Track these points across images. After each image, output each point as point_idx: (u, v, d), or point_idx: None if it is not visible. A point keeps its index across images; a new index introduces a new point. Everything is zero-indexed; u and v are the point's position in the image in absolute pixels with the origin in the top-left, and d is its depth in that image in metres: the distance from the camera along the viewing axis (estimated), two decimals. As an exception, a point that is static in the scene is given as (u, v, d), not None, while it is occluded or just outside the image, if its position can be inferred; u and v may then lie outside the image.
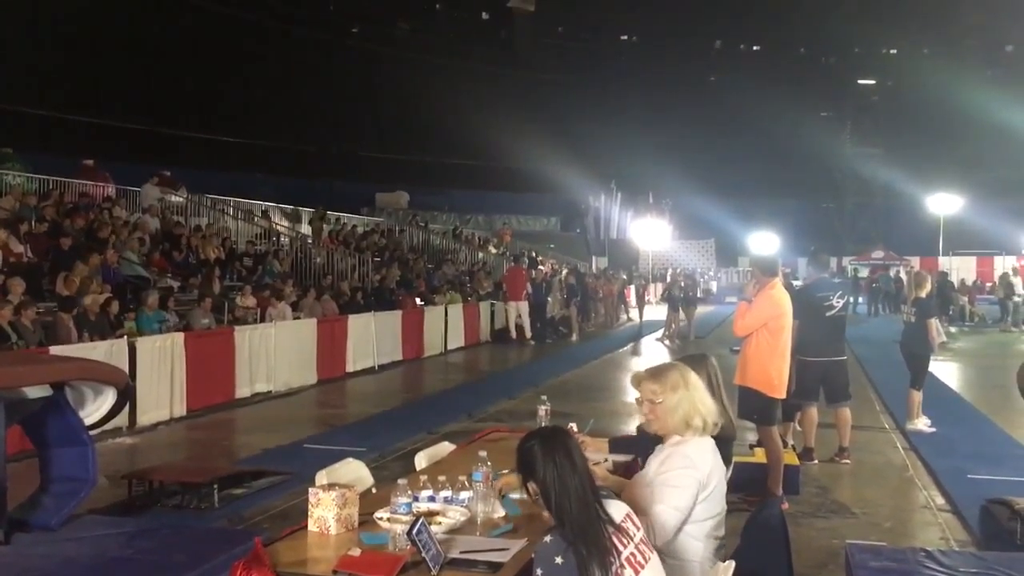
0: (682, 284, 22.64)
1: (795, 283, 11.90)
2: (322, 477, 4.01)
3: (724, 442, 4.30)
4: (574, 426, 4.92)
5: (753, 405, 6.69)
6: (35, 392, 5.57)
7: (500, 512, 3.68)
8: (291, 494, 6.86)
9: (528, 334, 20.36)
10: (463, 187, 39.48)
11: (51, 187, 18.17)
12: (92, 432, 6.12)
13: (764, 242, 38.75)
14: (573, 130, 40.81)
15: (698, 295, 24.79)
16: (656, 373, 3.72)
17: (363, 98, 37.05)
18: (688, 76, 45.72)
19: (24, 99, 25.23)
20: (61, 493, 5.69)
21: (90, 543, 5.29)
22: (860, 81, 49.04)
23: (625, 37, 48.91)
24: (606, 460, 4.40)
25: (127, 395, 6.39)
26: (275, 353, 12.47)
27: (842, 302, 8.30)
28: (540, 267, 26.37)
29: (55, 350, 8.89)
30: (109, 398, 6.08)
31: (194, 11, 30.23)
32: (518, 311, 20.55)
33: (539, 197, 41.23)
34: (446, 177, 39.62)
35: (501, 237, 32.50)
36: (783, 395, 6.88)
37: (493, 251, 29.69)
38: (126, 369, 9.05)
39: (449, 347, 18.21)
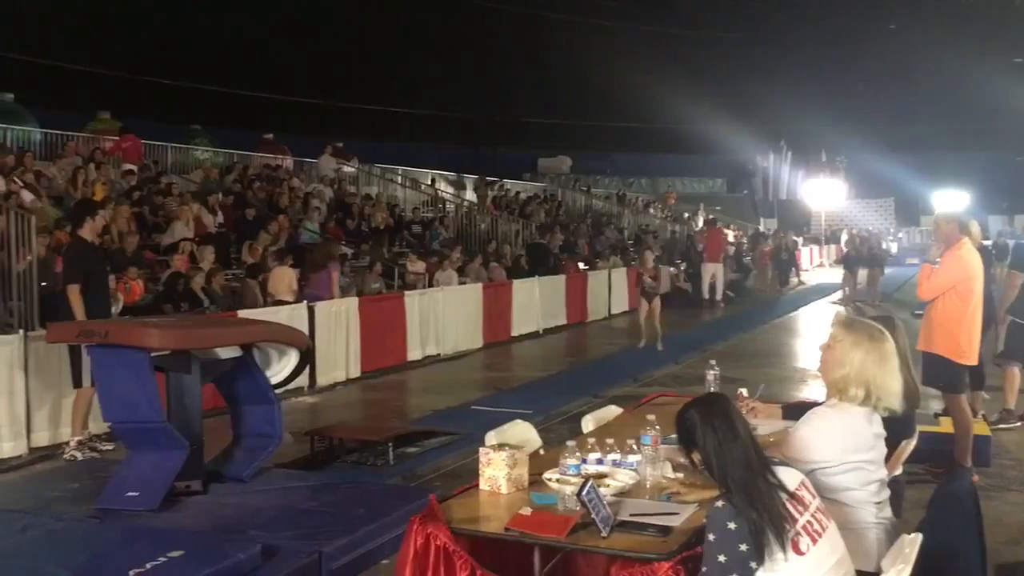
0: (858, 244, 21.62)
1: (985, 243, 11.10)
2: (492, 438, 4.08)
3: (907, 411, 4.09)
4: (744, 391, 4.79)
5: (939, 372, 6.31)
6: (227, 353, 5.96)
7: (669, 476, 3.64)
8: (461, 454, 7.05)
9: (719, 295, 20.34)
10: (626, 150, 38.98)
11: (235, 160, 19.27)
12: (277, 391, 6.51)
13: (950, 199, 36.32)
14: (740, 88, 39.43)
15: (881, 255, 23.54)
16: (850, 321, 3.59)
17: (526, 64, 37.10)
18: (864, 25, 43.17)
19: (210, 78, 26.80)
20: (251, 448, 6.09)
21: (278, 495, 5.64)
22: (1061, 22, 44.85)
23: (795, -12, 46.66)
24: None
25: (308, 357, 6.74)
26: (443, 317, 12.80)
27: None
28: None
29: (242, 314, 9.45)
30: (292, 359, 6.44)
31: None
32: (713, 273, 20.44)
33: (704, 158, 40.20)
34: (609, 140, 39.23)
35: (665, 200, 31.97)
36: (973, 361, 6.45)
37: (657, 214, 29.27)
38: (306, 332, 9.50)
39: (613, 311, 18.15)
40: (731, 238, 27.61)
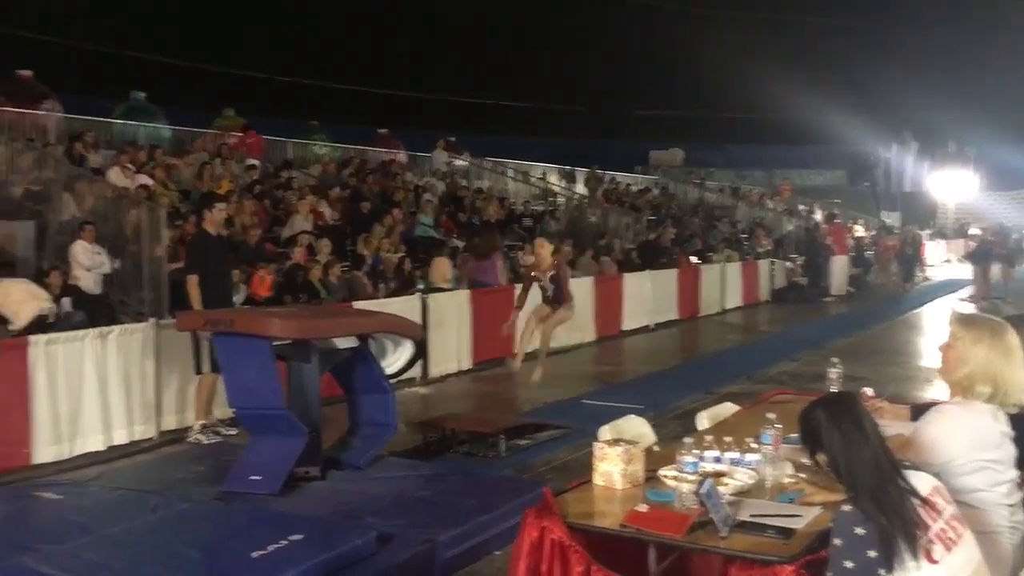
0: (989, 239, 20.59)
1: None
2: (605, 433, 4.04)
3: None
4: (869, 391, 4.61)
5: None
6: (344, 343, 6.10)
7: (791, 476, 3.53)
8: (572, 447, 7.02)
9: (843, 290, 20.14)
10: (740, 141, 38.06)
11: (351, 155, 19.73)
12: (391, 381, 6.63)
13: (1091, 191, 34.17)
14: (860, 76, 37.98)
15: (1015, 250, 22.31)
16: (968, 318, 3.43)
17: (636, 55, 36.69)
18: (996, 6, 40.98)
19: (329, 75, 27.52)
20: (367, 436, 6.23)
21: (392, 483, 5.74)
22: None
23: (921, -30, 44.67)
24: None
25: (423, 348, 6.84)
26: (554, 310, 12.77)
27: None
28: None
29: (357, 305, 9.66)
30: (407, 350, 6.54)
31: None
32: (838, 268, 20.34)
33: (822, 149, 38.87)
34: (723, 132, 38.40)
35: (780, 192, 31.15)
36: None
37: (774, 207, 28.54)
38: (419, 323, 9.63)
39: (726, 306, 17.79)
40: (860, 232, 26.76)
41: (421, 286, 11.58)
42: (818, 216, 27.13)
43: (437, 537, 4.69)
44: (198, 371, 7.50)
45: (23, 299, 8.59)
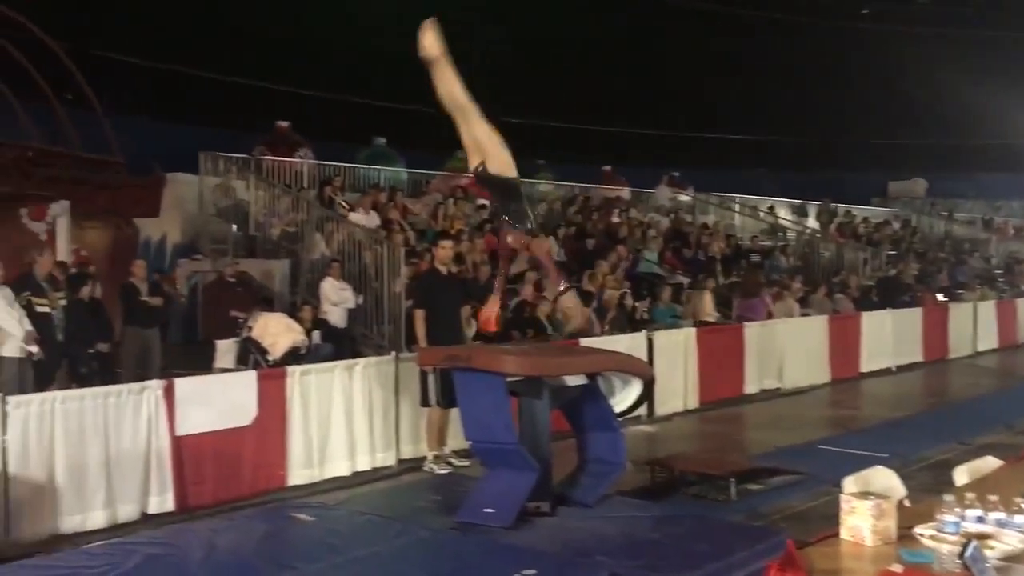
0: None
1: None
2: (851, 484, 3.84)
3: None
4: None
5: None
6: (574, 380, 6.17)
7: (1070, 544, 3.18)
8: (809, 495, 6.71)
9: None
10: (992, 170, 35.14)
11: (576, 193, 20.06)
12: (619, 419, 6.62)
13: None
14: None
15: None
16: None
17: (874, 82, 34.88)
18: None
19: (553, 115, 28.20)
20: (595, 473, 6.24)
21: (621, 523, 5.70)
22: None
23: None
24: None
25: (651, 387, 6.79)
26: (784, 350, 12.33)
27: None
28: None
29: (584, 342, 9.73)
30: (635, 389, 6.51)
31: (690, 15, 31.00)
32: None
33: (1092, 175, 35.16)
34: (972, 161, 35.57)
35: (1041, 224, 28.48)
36: None
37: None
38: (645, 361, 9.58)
39: (979, 348, 16.39)
40: None
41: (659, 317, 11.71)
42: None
43: (669, 581, 4.61)
44: (425, 404, 7.82)
45: (280, 331, 9.38)
